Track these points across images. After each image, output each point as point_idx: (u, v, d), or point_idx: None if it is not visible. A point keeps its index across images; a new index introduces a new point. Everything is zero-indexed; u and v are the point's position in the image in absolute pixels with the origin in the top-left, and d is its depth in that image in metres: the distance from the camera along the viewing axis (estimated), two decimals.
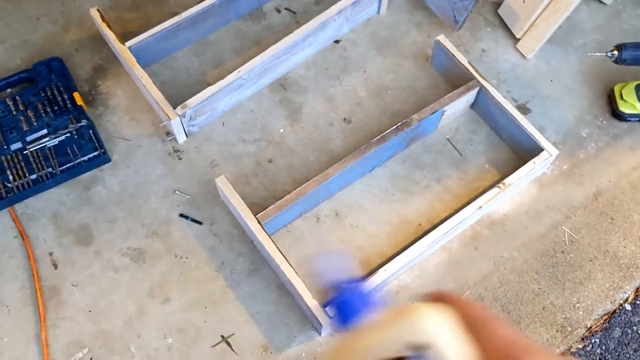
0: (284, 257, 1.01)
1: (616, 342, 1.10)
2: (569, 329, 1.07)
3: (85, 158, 1.16)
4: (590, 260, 1.13)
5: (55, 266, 1.09)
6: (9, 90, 1.26)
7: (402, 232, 1.13)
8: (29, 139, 1.17)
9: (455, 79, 1.24)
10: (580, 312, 1.09)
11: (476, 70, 1.20)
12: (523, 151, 1.18)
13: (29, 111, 1.20)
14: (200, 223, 1.13)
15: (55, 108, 1.21)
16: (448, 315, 0.45)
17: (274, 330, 1.05)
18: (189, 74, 1.29)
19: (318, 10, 1.27)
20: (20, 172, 1.14)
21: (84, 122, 1.19)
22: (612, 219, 1.17)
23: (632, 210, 1.18)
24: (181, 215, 1.14)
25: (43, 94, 1.22)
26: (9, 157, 1.15)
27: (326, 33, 1.30)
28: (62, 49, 1.31)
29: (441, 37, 1.24)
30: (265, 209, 1.06)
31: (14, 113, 1.20)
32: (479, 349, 0.44)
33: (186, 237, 1.12)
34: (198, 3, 1.26)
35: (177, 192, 1.16)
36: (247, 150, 1.21)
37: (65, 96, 1.22)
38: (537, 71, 1.32)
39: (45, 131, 1.18)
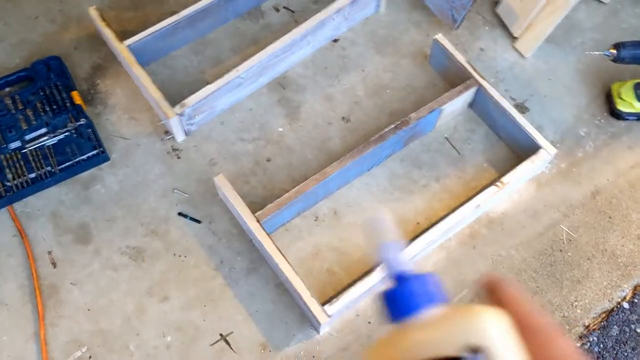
0: (283, 255, 1.01)
1: (614, 340, 1.10)
2: (567, 327, 1.07)
3: (84, 157, 1.16)
4: (588, 259, 1.13)
5: (54, 265, 1.09)
6: (7, 89, 1.26)
7: (400, 231, 1.14)
8: (28, 137, 1.17)
9: (454, 78, 1.24)
10: (578, 311, 1.09)
11: (474, 69, 1.20)
12: (521, 150, 1.18)
13: (27, 110, 1.20)
14: (199, 222, 1.14)
15: (54, 107, 1.21)
16: (508, 321, 0.43)
17: (273, 328, 1.05)
18: (187, 73, 1.29)
19: (316, 9, 1.27)
20: (20, 171, 1.14)
21: (82, 121, 1.19)
22: (610, 217, 1.17)
23: (630, 209, 1.18)
24: (180, 214, 1.14)
25: (42, 93, 1.22)
26: (8, 156, 1.15)
27: (325, 32, 1.30)
28: (60, 48, 1.31)
29: (439, 36, 1.24)
30: (264, 207, 1.06)
31: (13, 112, 1.20)
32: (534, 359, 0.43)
33: (185, 235, 1.12)
34: (196, 2, 1.26)
35: (175, 190, 1.16)
36: (246, 149, 1.21)
37: (64, 95, 1.22)
38: (535, 70, 1.32)
39: (44, 130, 1.18)
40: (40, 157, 1.16)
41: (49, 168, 1.15)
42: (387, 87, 1.29)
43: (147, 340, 1.04)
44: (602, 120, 1.27)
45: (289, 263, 1.01)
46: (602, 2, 1.42)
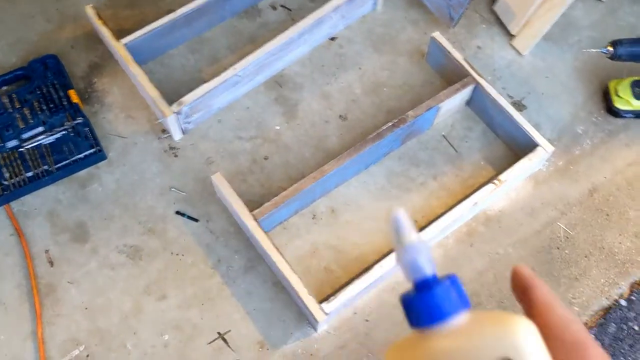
0: (280, 254, 1.01)
1: (611, 337, 1.10)
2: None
3: (81, 155, 1.16)
4: (586, 257, 1.13)
5: (52, 264, 1.09)
6: (4, 88, 1.26)
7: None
8: (24, 136, 1.17)
9: (451, 75, 1.24)
10: (576, 308, 1.09)
11: (472, 67, 1.20)
12: (518, 148, 1.18)
13: (24, 109, 1.20)
14: (196, 220, 1.14)
15: (51, 106, 1.20)
16: (538, 332, 0.42)
17: (270, 326, 1.05)
18: (184, 72, 1.29)
19: (313, 7, 1.26)
20: (17, 170, 1.14)
21: (79, 120, 1.19)
22: (608, 215, 1.18)
23: (627, 207, 1.18)
24: (177, 212, 1.14)
25: (39, 92, 1.22)
26: (5, 155, 1.15)
27: (322, 30, 1.30)
28: (57, 47, 1.31)
29: (437, 34, 1.24)
30: (261, 206, 1.06)
31: (10, 111, 1.20)
32: None
33: (182, 234, 1.12)
34: (193, 0, 1.26)
35: (173, 189, 1.16)
36: (243, 147, 1.21)
37: (61, 94, 1.22)
38: (533, 68, 1.32)
39: (41, 129, 1.18)
40: (37, 155, 1.15)
41: (46, 167, 1.14)
42: (385, 85, 1.29)
43: (144, 339, 1.04)
44: (600, 118, 1.28)
45: (286, 261, 1.01)
46: (599, 0, 1.42)
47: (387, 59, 1.32)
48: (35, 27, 1.34)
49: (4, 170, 1.14)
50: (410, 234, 0.46)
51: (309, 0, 1.39)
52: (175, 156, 1.20)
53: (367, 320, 1.06)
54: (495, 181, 1.10)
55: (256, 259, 1.10)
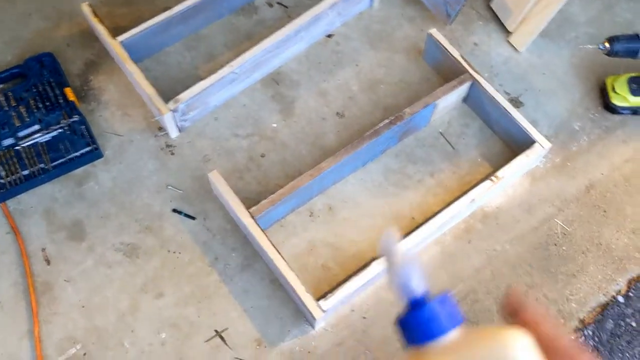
0: (278, 251, 1.01)
1: (609, 334, 1.10)
2: (562, 321, 1.08)
3: (78, 154, 1.16)
4: (583, 253, 1.13)
5: (48, 262, 1.09)
6: (0, 86, 1.25)
7: (395, 226, 1.14)
8: (21, 134, 1.17)
9: (448, 72, 1.24)
10: (573, 305, 1.09)
11: (469, 64, 1.20)
12: (516, 144, 1.18)
13: (20, 107, 1.20)
14: (193, 218, 1.13)
15: (47, 104, 1.20)
16: (533, 342, 0.43)
17: (268, 324, 1.05)
18: (181, 69, 1.29)
19: (310, 4, 1.26)
20: (13, 168, 1.14)
21: (76, 118, 1.19)
22: (605, 211, 1.18)
23: (624, 203, 1.18)
24: (174, 210, 1.14)
25: (35, 90, 1.22)
26: (1, 153, 1.15)
27: (318, 27, 1.29)
28: (53, 45, 1.31)
29: (434, 31, 1.23)
30: (258, 203, 1.06)
31: (6, 109, 1.19)
32: None
33: (179, 232, 1.12)
34: None
35: (169, 187, 1.16)
36: (240, 145, 1.21)
37: (57, 92, 1.21)
38: (530, 64, 1.32)
39: (37, 127, 1.18)
40: (34, 154, 1.15)
41: (42, 165, 1.14)
42: (382, 82, 1.29)
43: (141, 337, 1.04)
44: (597, 114, 1.28)
45: (283, 259, 1.01)
46: None
47: (384, 56, 1.32)
48: (31, 25, 1.34)
49: (0, 168, 1.13)
50: (401, 256, 0.48)
51: None
52: (172, 154, 1.20)
53: (364, 318, 1.06)
54: (492, 178, 1.10)
55: (253, 256, 1.10)
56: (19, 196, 1.14)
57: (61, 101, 1.20)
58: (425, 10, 1.37)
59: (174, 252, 1.10)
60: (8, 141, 1.16)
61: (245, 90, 1.27)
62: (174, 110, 1.13)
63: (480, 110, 1.23)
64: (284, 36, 1.22)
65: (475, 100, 1.23)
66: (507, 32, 1.35)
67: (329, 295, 0.99)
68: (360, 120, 1.24)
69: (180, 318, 1.05)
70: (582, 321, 1.08)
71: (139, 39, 1.23)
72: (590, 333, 1.09)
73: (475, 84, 1.19)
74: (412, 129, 1.21)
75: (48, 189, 1.15)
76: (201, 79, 1.17)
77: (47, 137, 1.17)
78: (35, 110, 1.19)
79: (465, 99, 1.25)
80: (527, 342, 0.42)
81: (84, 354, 1.02)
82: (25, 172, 1.13)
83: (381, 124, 1.13)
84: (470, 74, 1.19)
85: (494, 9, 1.38)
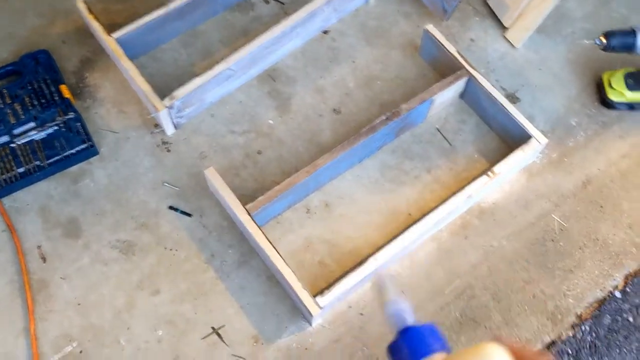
0: (274, 248, 1.01)
1: (606, 329, 1.10)
2: (559, 317, 1.07)
3: (73, 151, 1.16)
4: (580, 249, 1.13)
5: (44, 259, 1.09)
6: None
7: (392, 222, 1.13)
8: (16, 132, 1.16)
9: (444, 68, 1.24)
10: (571, 300, 1.09)
11: (465, 60, 1.19)
12: (512, 140, 1.18)
13: (16, 104, 1.19)
14: (189, 215, 1.13)
15: (43, 101, 1.20)
16: (507, 353, 0.52)
17: (265, 321, 1.05)
18: (177, 66, 1.28)
19: (306, 1, 1.26)
20: (8, 166, 1.13)
21: (71, 115, 1.18)
22: (602, 207, 1.18)
23: (621, 198, 1.18)
24: (170, 207, 1.14)
25: (30, 87, 1.21)
26: None
27: (314, 23, 1.29)
28: (49, 42, 1.30)
29: (430, 27, 1.23)
30: (255, 200, 1.05)
31: (1, 106, 1.19)
32: None
33: (175, 229, 1.12)
34: None
35: (165, 184, 1.16)
36: (236, 141, 1.21)
37: (53, 89, 1.21)
38: (526, 60, 1.32)
39: (32, 124, 1.17)
40: (29, 151, 1.15)
41: (37, 162, 1.14)
42: (378, 78, 1.29)
43: (138, 334, 1.03)
44: (593, 110, 1.27)
45: (280, 255, 1.00)
46: None
47: (380, 52, 1.32)
48: (27, 23, 1.33)
49: None
50: (393, 293, 0.59)
51: None
52: (168, 151, 1.19)
53: (361, 314, 1.06)
54: (489, 173, 1.10)
55: (250, 253, 1.10)
56: (14, 194, 1.14)
57: (56, 98, 1.20)
58: (422, 6, 1.37)
59: (170, 249, 1.10)
60: (3, 138, 1.16)
61: (242, 86, 1.26)
62: (170, 107, 1.13)
63: (477, 106, 1.23)
64: (280, 32, 1.22)
65: (472, 96, 1.22)
66: (504, 28, 1.35)
67: (326, 291, 0.99)
68: (357, 117, 1.24)
69: (177, 315, 1.05)
70: (579, 316, 1.08)
71: (135, 35, 1.22)
72: (588, 328, 1.09)
73: (471, 79, 1.19)
74: (408, 125, 1.20)
75: (43, 186, 1.15)
76: (197, 75, 1.17)
77: (43, 134, 1.16)
78: (30, 108, 1.19)
79: (462, 95, 1.25)
80: (502, 352, 0.51)
81: (80, 352, 1.01)
82: (21, 170, 1.13)
83: (378, 120, 1.13)
84: (467, 70, 1.18)
85: (490, 4, 1.37)
